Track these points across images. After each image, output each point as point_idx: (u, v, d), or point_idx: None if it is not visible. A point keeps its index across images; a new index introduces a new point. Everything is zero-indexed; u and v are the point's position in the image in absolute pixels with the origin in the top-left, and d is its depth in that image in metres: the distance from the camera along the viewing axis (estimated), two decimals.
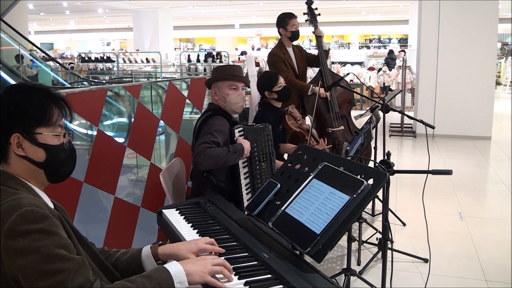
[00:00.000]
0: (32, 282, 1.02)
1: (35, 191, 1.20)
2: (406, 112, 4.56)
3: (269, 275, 1.33)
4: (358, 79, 9.95)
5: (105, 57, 14.64)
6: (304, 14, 4.02)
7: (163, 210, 1.90)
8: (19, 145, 1.18)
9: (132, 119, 2.75)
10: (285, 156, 3.28)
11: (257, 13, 19.25)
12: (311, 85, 3.76)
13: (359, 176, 1.46)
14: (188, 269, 1.20)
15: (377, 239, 3.12)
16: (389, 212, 3.02)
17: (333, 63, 12.91)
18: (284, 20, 3.80)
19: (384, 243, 2.21)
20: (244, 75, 3.35)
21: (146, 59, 14.74)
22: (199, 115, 2.60)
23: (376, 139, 3.69)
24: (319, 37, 3.90)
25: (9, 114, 1.18)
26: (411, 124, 7.69)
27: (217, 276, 1.26)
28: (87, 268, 1.09)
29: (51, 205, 1.24)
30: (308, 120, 3.80)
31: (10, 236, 1.03)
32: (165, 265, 1.21)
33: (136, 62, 14.64)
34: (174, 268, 1.19)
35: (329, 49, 4.11)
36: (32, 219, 1.04)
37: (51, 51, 20.59)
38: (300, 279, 1.28)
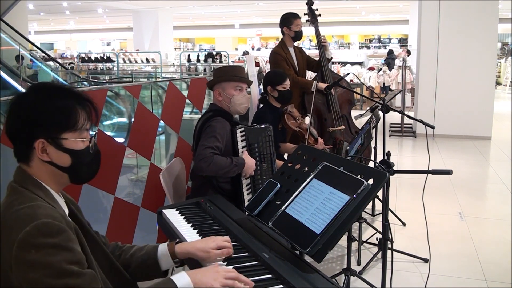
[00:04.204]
0: None
1: (52, 195, 1.16)
2: (406, 112, 4.55)
3: (269, 275, 1.33)
4: (358, 79, 9.95)
5: (105, 57, 14.62)
6: (304, 14, 4.02)
7: (163, 210, 1.90)
8: (44, 150, 1.13)
9: (132, 119, 2.75)
10: (285, 156, 3.28)
11: (257, 13, 19.25)
12: (314, 81, 3.75)
13: (359, 176, 1.47)
14: (197, 280, 1.17)
15: (377, 239, 3.12)
16: (389, 212, 3.02)
17: (333, 63, 12.87)
18: (289, 20, 3.81)
19: (384, 243, 2.21)
20: None
21: (146, 59, 14.73)
22: (199, 115, 2.60)
23: (376, 139, 3.69)
24: (322, 45, 3.88)
25: (33, 118, 1.12)
26: (411, 124, 7.68)
27: None
28: (97, 282, 1.07)
29: (67, 210, 1.21)
30: (308, 120, 3.80)
31: (23, 247, 0.99)
32: (173, 277, 1.18)
33: (136, 62, 14.63)
34: (181, 280, 1.16)
35: (332, 58, 4.07)
36: (48, 233, 1.01)
37: (51, 51, 20.55)
38: (300, 279, 1.28)
